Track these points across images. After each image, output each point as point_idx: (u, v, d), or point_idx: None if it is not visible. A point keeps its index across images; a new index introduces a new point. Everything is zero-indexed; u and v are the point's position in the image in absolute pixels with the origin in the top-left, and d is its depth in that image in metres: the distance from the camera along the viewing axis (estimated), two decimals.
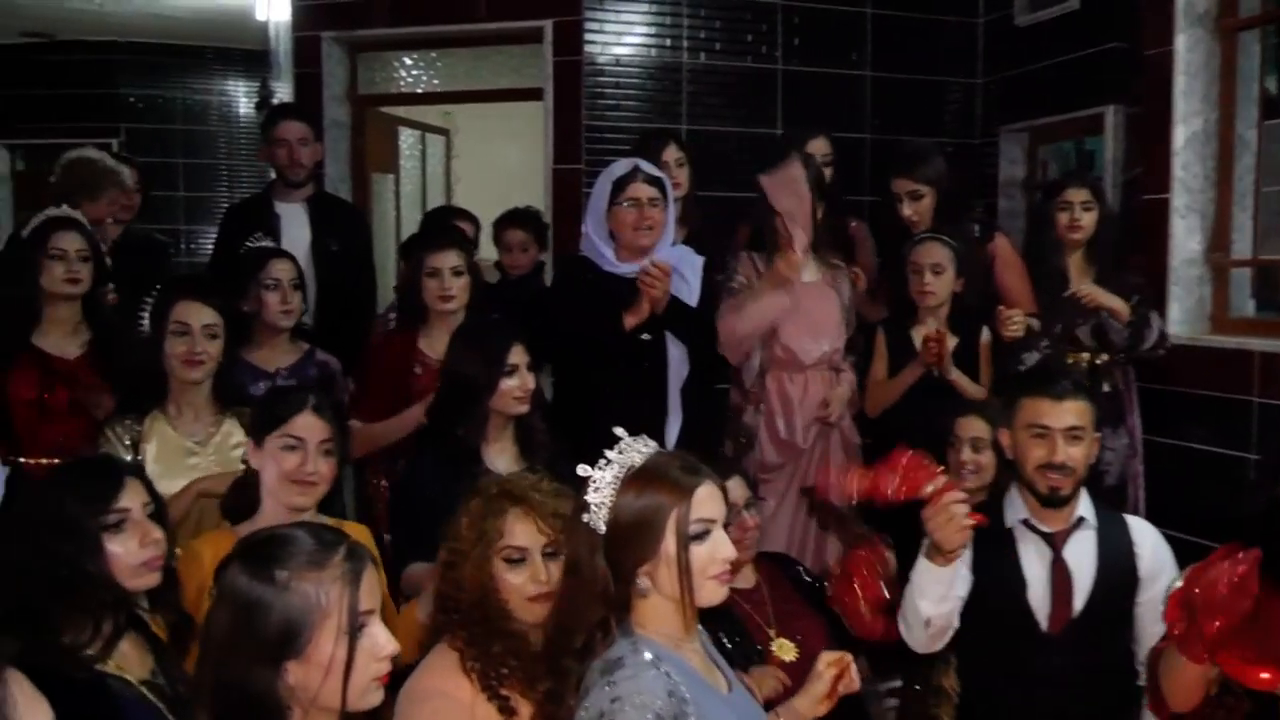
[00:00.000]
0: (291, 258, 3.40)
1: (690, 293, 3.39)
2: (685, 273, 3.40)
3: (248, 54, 7.13)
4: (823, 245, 3.64)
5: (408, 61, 5.46)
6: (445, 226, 3.58)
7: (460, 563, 1.95)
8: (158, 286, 2.84)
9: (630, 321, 3.23)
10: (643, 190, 3.27)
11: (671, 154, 3.80)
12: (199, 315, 2.72)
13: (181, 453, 2.69)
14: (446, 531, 2.01)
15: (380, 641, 1.49)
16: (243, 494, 2.34)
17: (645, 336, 3.30)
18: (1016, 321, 3.43)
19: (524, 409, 2.72)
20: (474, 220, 4.17)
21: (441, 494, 2.33)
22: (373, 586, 1.52)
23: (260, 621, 1.44)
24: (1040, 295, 3.68)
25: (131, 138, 7.32)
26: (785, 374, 3.59)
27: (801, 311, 3.55)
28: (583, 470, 1.71)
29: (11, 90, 7.54)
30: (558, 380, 3.55)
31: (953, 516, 2.11)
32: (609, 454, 1.72)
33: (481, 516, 1.98)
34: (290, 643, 1.44)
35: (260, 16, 5.66)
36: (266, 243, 3.55)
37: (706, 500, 1.69)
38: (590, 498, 1.70)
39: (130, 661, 1.84)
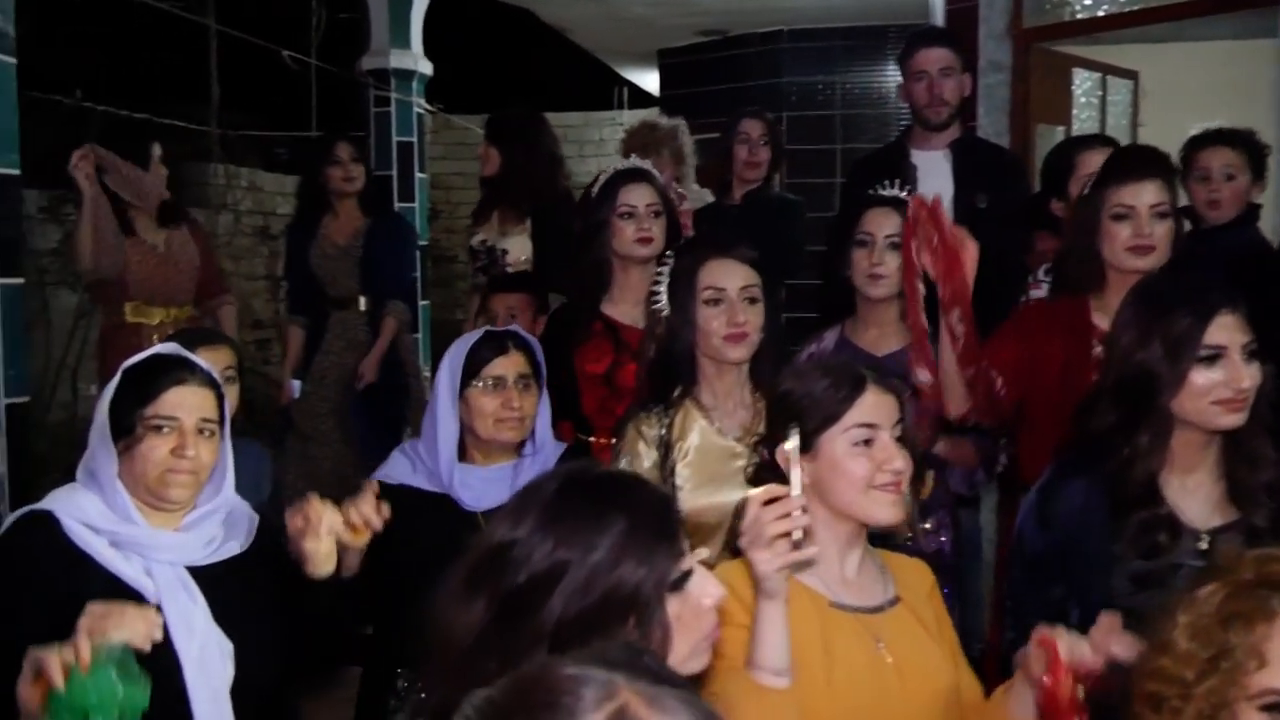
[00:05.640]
0: (904, 211, 2.68)
1: None
2: None
3: (906, 32, 6.66)
4: None
5: None
6: (1146, 154, 2.60)
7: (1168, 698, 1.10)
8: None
9: None
10: None
11: None
12: (735, 277, 2.15)
13: (724, 456, 2.13)
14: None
15: None
16: None
17: None
18: None
19: (1234, 420, 1.73)
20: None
21: (1091, 539, 1.66)
22: None
23: None
24: None
25: (792, 125, 7.26)
26: None
27: None
28: None
29: (689, 88, 7.92)
30: None
31: None
32: None
33: (1220, 619, 1.12)
34: None
35: None
36: (894, 191, 2.86)
37: None
38: None
39: None
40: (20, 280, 3.32)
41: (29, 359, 4.14)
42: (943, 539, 2.48)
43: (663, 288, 2.29)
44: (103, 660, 1.43)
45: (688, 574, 1.22)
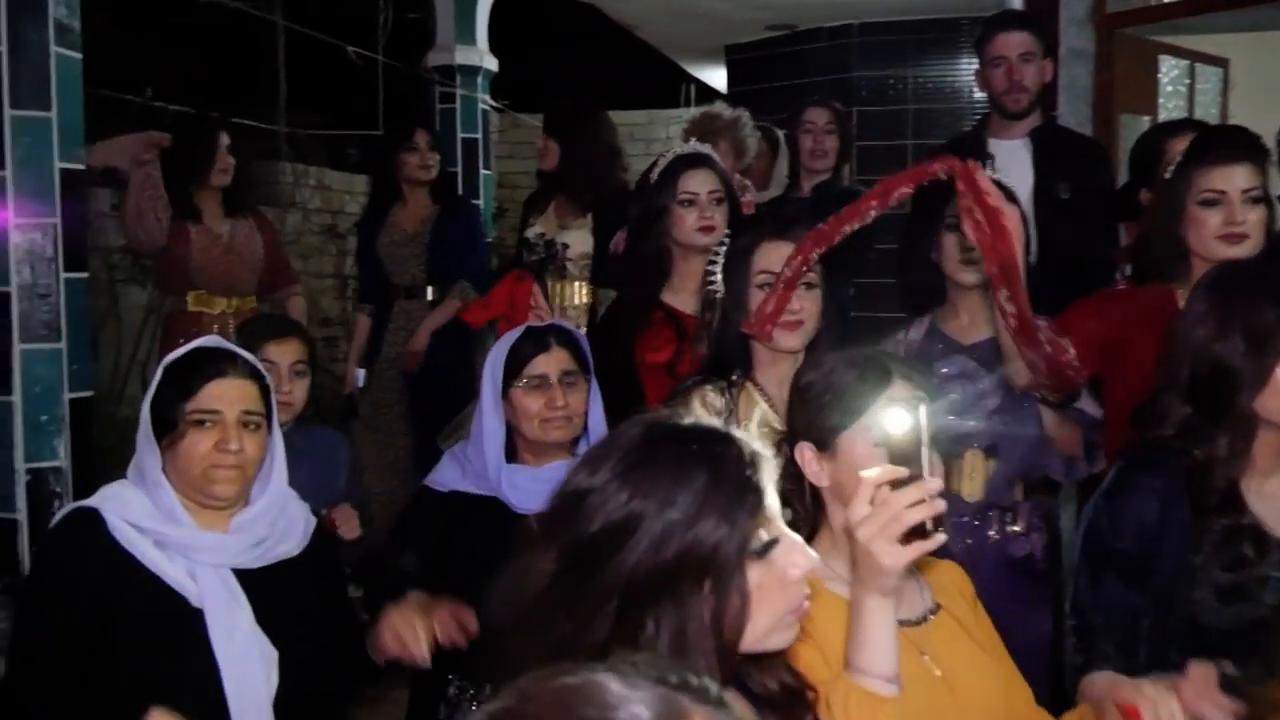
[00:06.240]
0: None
1: None
2: None
3: (981, 24, 6.47)
4: None
5: None
6: (1236, 135, 2.45)
7: None
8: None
9: None
10: None
11: None
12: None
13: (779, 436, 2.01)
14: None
15: None
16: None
17: None
18: None
19: None
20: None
21: (1170, 549, 1.55)
22: None
23: None
24: None
25: (863, 121, 7.11)
26: None
27: None
28: None
29: (757, 84, 7.80)
30: None
31: None
32: None
33: None
34: None
35: None
36: (989, 174, 2.71)
37: None
38: None
39: None
40: (85, 275, 3.33)
41: (93, 354, 4.17)
42: (1032, 539, 2.32)
43: (718, 269, 2.19)
44: None
45: (774, 541, 1.14)
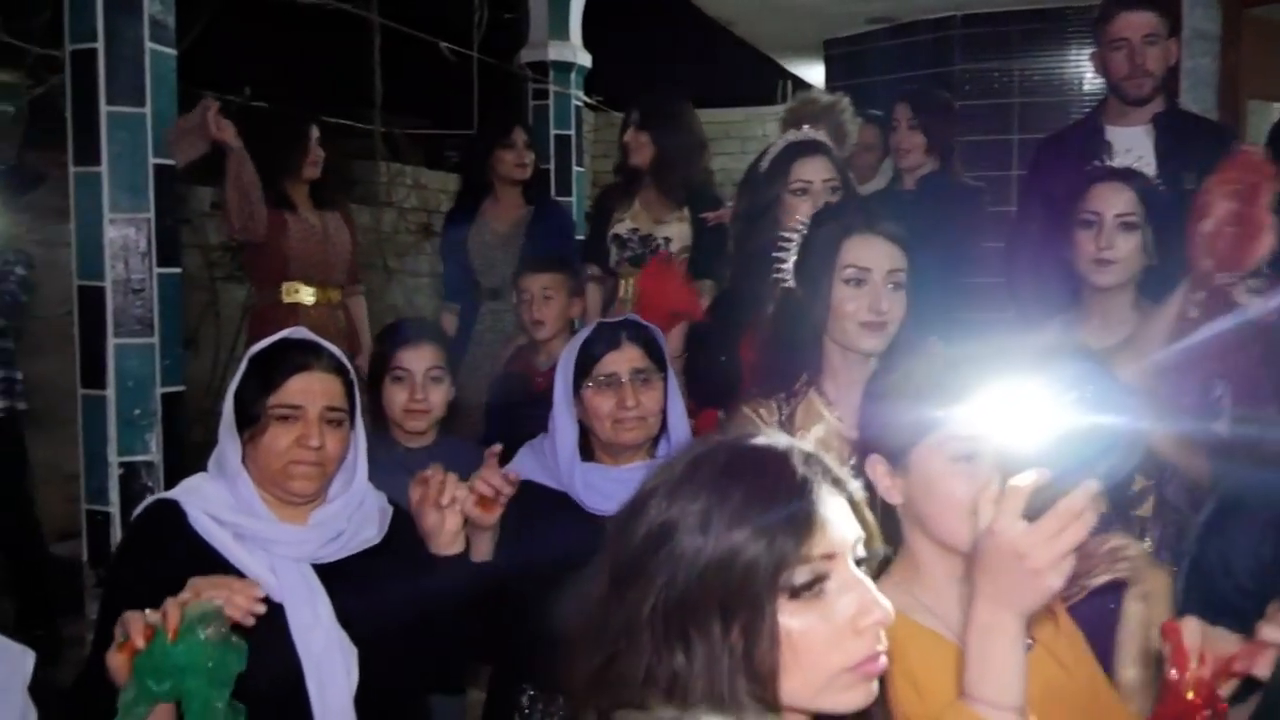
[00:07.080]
0: (1138, 185, 2.38)
1: None
2: None
3: (1089, 14, 6.22)
4: None
5: None
6: None
7: None
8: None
9: None
10: None
11: None
12: (883, 258, 1.89)
13: (848, 450, 1.87)
14: None
15: None
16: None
17: None
18: None
19: None
20: None
21: None
22: None
23: None
24: None
25: (966, 115, 6.87)
26: None
27: None
28: None
29: (856, 79, 7.61)
30: None
31: None
32: None
33: None
34: None
35: None
36: (1127, 162, 2.52)
37: None
38: None
39: None
40: (178, 270, 3.34)
41: (193, 351, 4.21)
42: (1162, 556, 2.14)
43: (789, 257, 2.00)
44: (193, 624, 1.35)
45: (823, 578, 1.01)
